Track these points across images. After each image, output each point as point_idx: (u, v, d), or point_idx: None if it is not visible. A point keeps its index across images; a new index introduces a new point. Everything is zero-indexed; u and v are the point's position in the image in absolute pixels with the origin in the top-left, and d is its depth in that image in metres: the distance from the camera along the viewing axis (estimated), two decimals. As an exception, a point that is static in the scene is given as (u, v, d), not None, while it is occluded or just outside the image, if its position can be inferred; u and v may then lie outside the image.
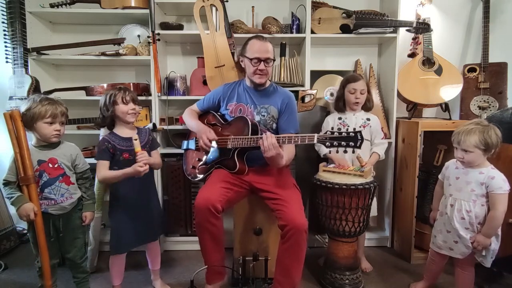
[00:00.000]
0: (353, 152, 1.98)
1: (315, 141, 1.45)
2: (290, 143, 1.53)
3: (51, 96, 1.63)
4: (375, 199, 2.04)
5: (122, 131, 1.67)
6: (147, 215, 1.71)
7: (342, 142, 1.41)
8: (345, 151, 1.99)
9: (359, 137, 1.39)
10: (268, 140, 1.49)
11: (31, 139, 1.50)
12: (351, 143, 1.40)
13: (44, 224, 1.47)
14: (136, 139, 1.54)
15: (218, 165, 1.79)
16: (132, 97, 1.65)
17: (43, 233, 1.45)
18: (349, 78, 2.02)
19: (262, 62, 1.73)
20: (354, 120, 2.00)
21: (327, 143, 1.43)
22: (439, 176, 1.73)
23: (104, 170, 1.59)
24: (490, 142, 1.47)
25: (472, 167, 1.55)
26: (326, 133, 1.44)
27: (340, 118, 2.03)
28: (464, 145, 1.52)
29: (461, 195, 1.55)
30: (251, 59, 1.73)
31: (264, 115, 1.80)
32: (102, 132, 2.08)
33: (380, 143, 2.00)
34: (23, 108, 1.46)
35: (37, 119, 1.43)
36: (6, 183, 1.44)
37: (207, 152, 1.82)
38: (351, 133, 1.40)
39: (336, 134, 1.42)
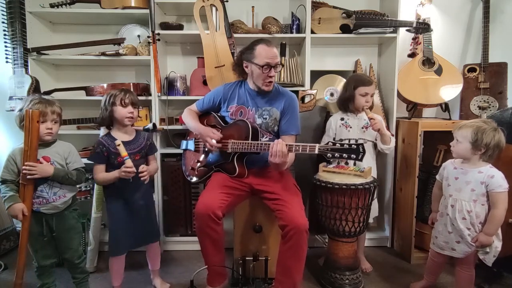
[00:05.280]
0: (354, 164, 1.94)
1: (316, 152, 1.44)
2: (291, 152, 1.52)
3: (49, 96, 1.63)
4: (375, 199, 2.04)
5: (119, 134, 1.67)
6: (145, 217, 1.71)
7: (344, 154, 1.40)
8: (347, 163, 1.97)
9: (360, 149, 1.38)
10: (277, 147, 1.48)
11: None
12: (353, 156, 1.39)
13: (37, 223, 1.49)
14: (119, 145, 1.53)
15: (218, 169, 1.79)
16: (131, 100, 1.64)
17: (27, 233, 1.46)
18: (361, 80, 1.92)
19: (272, 68, 1.69)
20: (356, 121, 1.98)
21: (328, 154, 1.42)
22: (437, 177, 1.73)
23: (99, 173, 1.62)
24: (480, 139, 1.47)
25: (466, 163, 1.56)
26: (327, 143, 1.44)
27: (342, 119, 2.01)
28: (457, 133, 1.55)
29: (461, 195, 1.55)
30: (261, 66, 1.66)
31: (266, 118, 1.78)
32: (102, 132, 2.08)
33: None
34: (17, 109, 1.48)
35: None
36: (3, 181, 1.45)
37: (206, 154, 1.81)
38: (353, 145, 1.39)
39: (337, 145, 1.41)
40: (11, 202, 1.41)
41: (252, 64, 1.71)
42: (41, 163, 1.46)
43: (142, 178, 1.58)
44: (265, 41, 1.72)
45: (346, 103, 1.97)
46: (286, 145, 1.50)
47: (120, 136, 1.65)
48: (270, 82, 1.72)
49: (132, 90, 2.10)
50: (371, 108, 2.02)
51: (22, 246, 1.46)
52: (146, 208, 1.73)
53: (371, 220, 2.03)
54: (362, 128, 1.97)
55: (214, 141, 1.71)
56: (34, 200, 1.46)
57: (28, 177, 1.42)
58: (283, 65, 1.73)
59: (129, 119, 1.64)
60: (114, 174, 1.58)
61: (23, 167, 1.40)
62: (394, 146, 1.99)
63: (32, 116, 1.41)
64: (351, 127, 1.98)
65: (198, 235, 1.63)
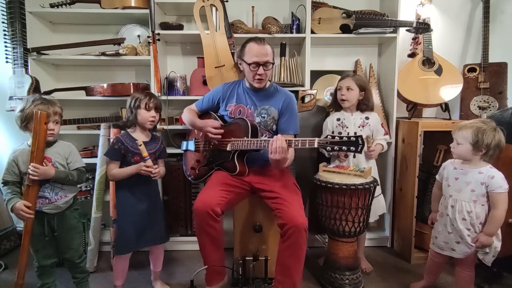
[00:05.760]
0: (354, 156, 1.96)
1: (315, 146, 1.44)
2: (290, 147, 1.52)
3: (49, 96, 1.63)
4: (381, 196, 2.05)
5: (138, 134, 1.71)
6: (153, 218, 1.72)
7: (343, 147, 1.40)
8: (346, 156, 1.98)
9: (360, 141, 1.38)
10: (277, 143, 1.48)
11: (27, 138, 1.50)
12: (352, 148, 1.38)
13: (38, 224, 1.49)
14: (141, 145, 1.57)
15: (218, 167, 1.79)
16: (155, 105, 1.70)
17: (29, 234, 1.46)
18: (340, 78, 2.04)
19: (261, 67, 1.68)
20: (352, 120, 1.98)
21: (328, 147, 1.42)
22: (437, 177, 1.72)
23: (113, 169, 1.65)
24: (481, 140, 1.47)
25: (466, 164, 1.56)
26: (326, 137, 1.43)
27: (338, 119, 2.02)
28: (457, 134, 1.55)
29: (461, 196, 1.55)
30: (249, 64, 1.69)
31: (264, 117, 1.79)
32: (102, 132, 2.08)
33: (383, 138, 2.01)
34: (17, 109, 1.47)
35: (30, 119, 1.44)
36: (5, 183, 1.46)
37: (207, 153, 1.81)
38: (352, 138, 1.39)
39: (336, 138, 1.41)
40: (13, 203, 1.42)
41: (243, 62, 1.74)
42: (44, 164, 1.46)
43: (152, 175, 1.62)
44: (256, 39, 1.73)
45: (334, 100, 2.06)
46: (286, 140, 1.49)
47: (139, 137, 1.69)
48: (260, 79, 1.72)
49: (132, 90, 2.11)
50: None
51: (24, 246, 1.46)
52: (155, 209, 1.74)
53: (376, 218, 2.05)
54: (359, 127, 1.97)
55: (215, 130, 1.72)
56: (36, 200, 1.47)
57: (29, 177, 1.42)
58: (273, 64, 1.73)
59: (151, 123, 1.70)
60: (131, 169, 1.62)
61: (29, 166, 1.41)
62: (386, 143, 2.05)
63: (40, 118, 1.41)
64: (347, 127, 1.99)
65: (197, 232, 1.63)
